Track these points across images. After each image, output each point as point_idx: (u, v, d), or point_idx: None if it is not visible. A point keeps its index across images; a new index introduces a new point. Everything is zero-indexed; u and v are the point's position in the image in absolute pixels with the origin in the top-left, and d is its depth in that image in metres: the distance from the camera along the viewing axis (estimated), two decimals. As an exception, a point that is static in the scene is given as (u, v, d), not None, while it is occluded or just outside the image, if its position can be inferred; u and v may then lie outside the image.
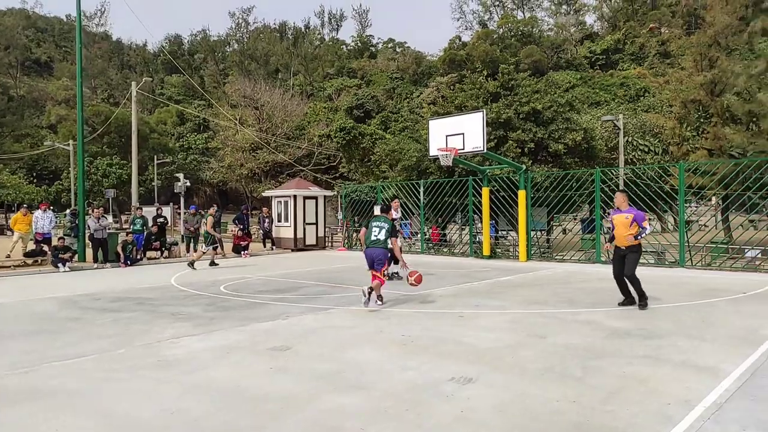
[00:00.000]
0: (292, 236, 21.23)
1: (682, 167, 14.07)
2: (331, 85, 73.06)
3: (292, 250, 20.91)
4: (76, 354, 5.94)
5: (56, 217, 19.45)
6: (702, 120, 23.85)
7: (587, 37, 72.43)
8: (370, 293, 8.44)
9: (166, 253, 18.12)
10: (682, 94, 26.11)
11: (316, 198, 22.23)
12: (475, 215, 18.04)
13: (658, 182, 17.41)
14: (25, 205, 17.50)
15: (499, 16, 78.14)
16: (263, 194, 25.41)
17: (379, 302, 8.55)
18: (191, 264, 14.58)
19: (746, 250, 13.94)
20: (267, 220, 21.00)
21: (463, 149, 14.74)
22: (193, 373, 5.22)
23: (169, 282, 12.17)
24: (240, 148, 48.51)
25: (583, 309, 8.17)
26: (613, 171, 18.84)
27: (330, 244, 23.84)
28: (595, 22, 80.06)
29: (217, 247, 15.48)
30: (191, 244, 18.75)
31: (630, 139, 28.11)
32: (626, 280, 8.12)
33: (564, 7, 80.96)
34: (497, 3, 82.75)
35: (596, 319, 7.40)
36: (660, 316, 7.50)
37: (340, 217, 29.23)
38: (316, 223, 22.03)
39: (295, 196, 21.36)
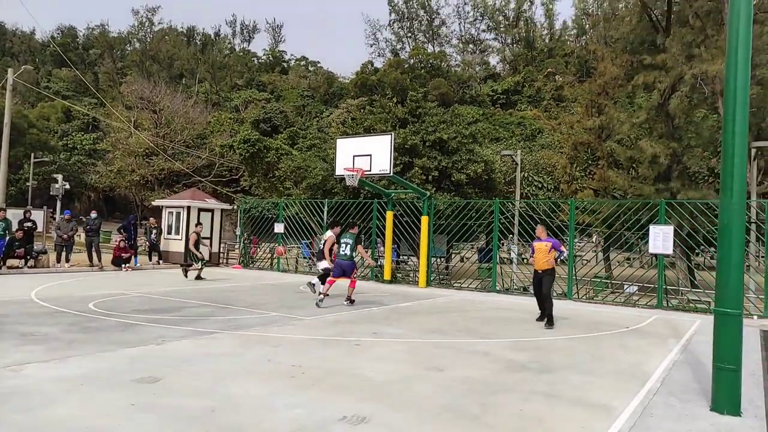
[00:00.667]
0: (182, 250, 19.74)
1: (573, 204, 14.84)
2: (238, 96, 70.87)
3: (182, 266, 19.41)
4: None
5: None
6: (590, 162, 25.72)
7: (490, 77, 76.70)
8: (325, 296, 10.62)
9: (31, 261, 16.03)
10: (573, 136, 28.08)
11: (212, 211, 20.95)
12: (378, 239, 17.86)
13: (551, 216, 18.31)
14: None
15: (411, 47, 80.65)
16: (154, 203, 23.58)
17: (348, 303, 10.95)
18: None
19: (626, 286, 14.90)
20: (154, 231, 19.39)
21: (370, 171, 14.53)
22: (31, 410, 4.30)
23: (29, 296, 10.63)
24: (132, 152, 45.26)
25: (480, 339, 8.08)
26: (510, 203, 19.59)
27: (225, 261, 22.53)
28: (498, 63, 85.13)
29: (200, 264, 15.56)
30: (63, 253, 16.78)
31: (526, 175, 29.68)
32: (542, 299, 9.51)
33: (471, 46, 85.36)
34: (409, 35, 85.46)
35: (492, 350, 7.30)
36: (553, 349, 7.57)
37: (237, 232, 27.92)
38: (211, 238, 20.71)
39: (188, 207, 19.97)
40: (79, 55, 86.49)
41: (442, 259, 19.76)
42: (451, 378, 5.80)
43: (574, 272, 14.35)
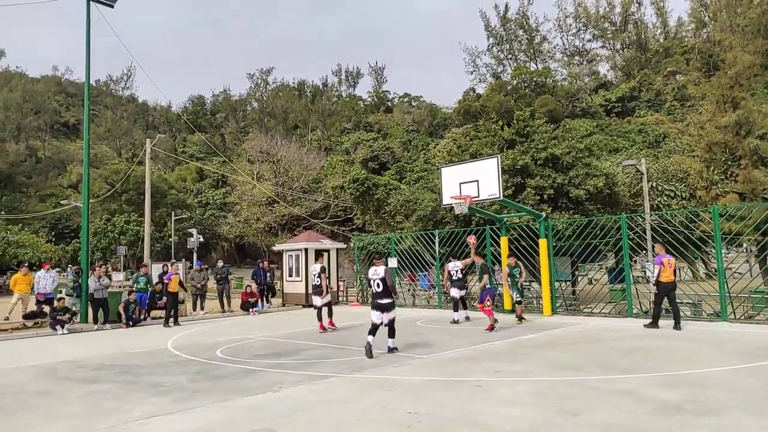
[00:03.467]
0: (303, 291, 20.36)
1: (716, 211, 13.03)
2: (348, 139, 73.80)
3: (303, 306, 19.99)
4: (24, 441, 5.08)
5: (63, 276, 18.95)
6: (730, 162, 22.83)
7: (601, 86, 72.48)
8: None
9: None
10: (705, 137, 25.24)
11: (328, 251, 21.45)
12: (494, 266, 17.02)
13: (689, 227, 16.30)
14: (25, 265, 17.02)
15: (512, 68, 79.02)
16: (274, 248, 24.78)
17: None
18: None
19: (796, 301, 12.63)
20: (269, 274, 20.13)
21: (478, 197, 13.95)
22: (149, 468, 4.31)
23: (166, 345, 11.33)
24: (256, 202, 48.54)
25: (620, 375, 7.08)
26: (639, 216, 17.81)
27: (344, 299, 22.87)
28: (608, 71, 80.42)
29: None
30: (198, 302, 18.01)
31: (654, 184, 27.09)
32: None
33: (577, 57, 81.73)
34: (510, 56, 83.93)
35: (636, 388, 6.31)
36: (714, 384, 6.38)
37: (355, 269, 28.39)
38: (329, 277, 21.13)
39: (306, 249, 20.63)
40: (208, 120, 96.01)
41: (568, 283, 18.33)
42: (590, 424, 5.01)
43: (726, 289, 12.46)
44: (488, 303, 12.00)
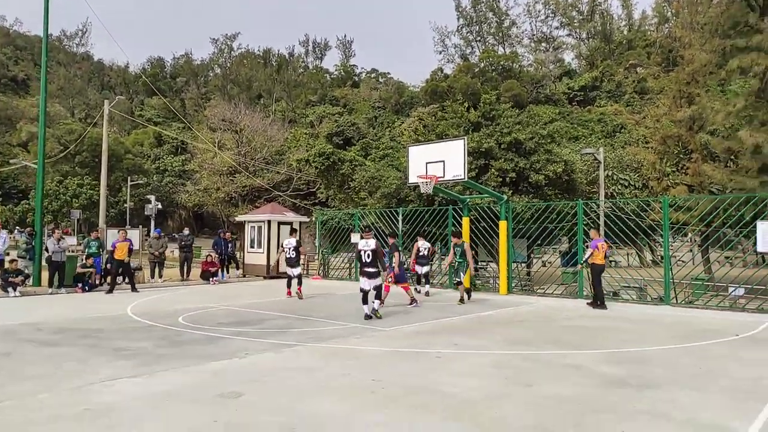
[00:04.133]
0: (264, 263, 20.33)
1: (666, 202, 13.74)
2: (313, 112, 72.90)
3: (264, 278, 20.00)
4: (-12, 399, 5.07)
5: (11, 238, 18.29)
6: (681, 156, 23.88)
7: (565, 74, 73.82)
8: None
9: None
10: (660, 130, 26.23)
11: (291, 224, 21.42)
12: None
13: (641, 216, 17.10)
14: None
15: (481, 50, 79.39)
16: (237, 218, 24.54)
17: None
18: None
19: (731, 288, 13.54)
20: (230, 244, 20.01)
21: (444, 177, 14.22)
22: (121, 427, 4.40)
23: (126, 311, 11.24)
24: (217, 171, 47.61)
25: (571, 351, 7.54)
26: (594, 203, 18.53)
27: (305, 272, 22.94)
28: (573, 59, 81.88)
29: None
30: (156, 270, 17.77)
31: (610, 173, 28.07)
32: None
33: (543, 44, 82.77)
34: (479, 38, 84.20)
35: (585, 363, 6.76)
36: (654, 362, 6.90)
37: (316, 244, 28.43)
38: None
39: (269, 222, 20.55)
40: (167, 83, 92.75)
41: (524, 264, 18.99)
42: (541, 395, 5.38)
43: (671, 275, 13.24)
44: (390, 280, 12.23)
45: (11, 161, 40.66)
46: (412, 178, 15.11)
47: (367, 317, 10.07)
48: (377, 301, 10.40)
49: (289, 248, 13.73)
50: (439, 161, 14.39)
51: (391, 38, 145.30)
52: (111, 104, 25.94)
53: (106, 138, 25.04)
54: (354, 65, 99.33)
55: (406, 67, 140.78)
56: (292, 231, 15.58)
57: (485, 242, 16.73)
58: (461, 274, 13.42)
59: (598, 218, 18.21)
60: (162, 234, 18.80)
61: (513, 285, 15.92)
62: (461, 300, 13.21)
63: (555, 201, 18.59)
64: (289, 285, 13.83)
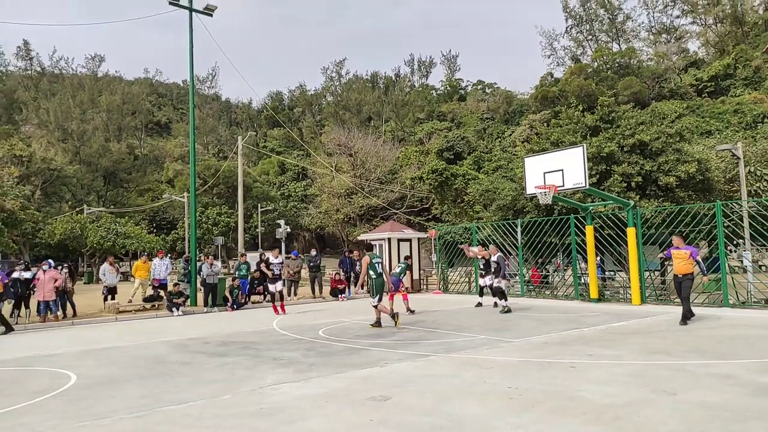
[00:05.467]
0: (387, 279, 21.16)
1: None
2: (421, 129, 74.16)
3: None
4: (184, 399, 6.10)
5: (172, 264, 20.92)
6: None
7: (692, 65, 68.03)
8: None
9: (268, 297, 18.73)
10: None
11: (410, 240, 22.18)
12: (579, 255, 17.00)
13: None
14: (145, 254, 18.99)
15: (593, 50, 75.83)
16: (358, 238, 25.81)
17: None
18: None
19: None
20: (358, 263, 21.14)
21: (563, 186, 14.06)
22: (293, 423, 5.13)
23: (272, 326, 12.47)
24: (336, 194, 50.20)
25: (716, 360, 7.21)
26: (735, 203, 17.09)
27: (425, 287, 23.53)
28: (699, 48, 75.28)
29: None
30: (292, 288, 19.30)
31: (752, 169, 25.54)
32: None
33: (664, 35, 77.10)
34: (590, 37, 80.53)
35: (733, 372, 6.47)
36: (816, 371, 6.41)
37: (434, 259, 28.92)
38: (411, 266, 21.85)
39: (389, 239, 21.45)
40: (286, 114, 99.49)
41: (656, 272, 17.94)
42: (687, 402, 5.32)
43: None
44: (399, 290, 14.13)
45: (163, 196, 46.11)
46: (530, 189, 15.09)
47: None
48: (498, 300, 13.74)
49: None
50: (557, 170, 14.27)
51: (495, 48, 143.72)
52: (244, 140, 28.68)
53: (241, 171, 27.72)
54: (459, 79, 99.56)
55: (512, 75, 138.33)
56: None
57: (612, 250, 16.13)
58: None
59: (741, 220, 16.77)
60: (298, 255, 20.40)
61: (647, 295, 15.15)
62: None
63: (689, 204, 17.41)
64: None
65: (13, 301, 14.42)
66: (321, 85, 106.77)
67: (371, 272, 11.57)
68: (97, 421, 5.37)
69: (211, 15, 18.96)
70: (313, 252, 20.96)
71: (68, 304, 15.21)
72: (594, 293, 15.68)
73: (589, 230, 15.71)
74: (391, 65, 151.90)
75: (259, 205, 50.71)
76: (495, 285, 14.45)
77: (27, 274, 14.65)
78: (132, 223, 46.17)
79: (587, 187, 13.98)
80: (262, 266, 15.48)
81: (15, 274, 14.74)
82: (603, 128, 21.15)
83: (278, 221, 31.70)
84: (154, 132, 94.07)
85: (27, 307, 14.61)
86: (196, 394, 6.33)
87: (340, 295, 19.30)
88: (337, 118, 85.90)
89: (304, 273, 21.68)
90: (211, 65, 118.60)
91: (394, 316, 11.40)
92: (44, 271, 14.41)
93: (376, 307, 11.46)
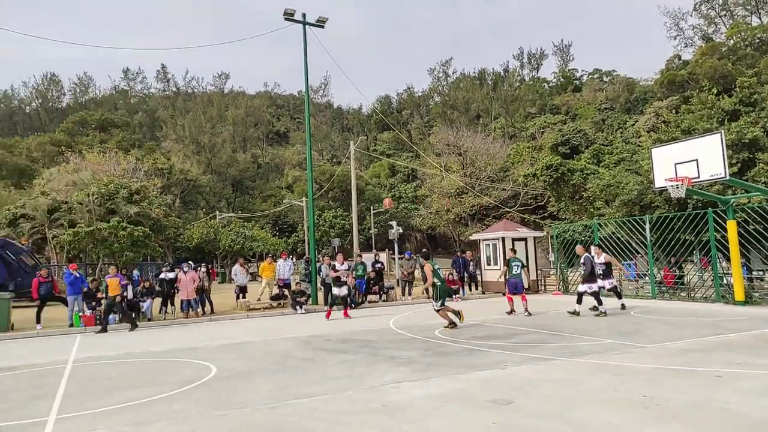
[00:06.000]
0: (502, 279, 20.68)
1: None
2: (533, 124, 71.54)
3: (503, 294, 20.32)
4: (310, 394, 6.41)
5: (294, 265, 22.14)
6: None
7: None
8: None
9: (384, 296, 19.16)
10: None
11: (525, 239, 21.47)
12: (719, 253, 15.37)
13: None
14: (270, 255, 20.28)
15: (727, 26, 68.24)
16: (471, 237, 25.51)
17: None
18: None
19: None
20: (471, 263, 20.89)
21: (698, 177, 12.81)
22: (414, 422, 5.18)
23: (388, 325, 12.71)
24: (446, 194, 50.00)
25: None
26: None
27: (543, 288, 22.64)
28: None
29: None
30: (407, 288, 19.54)
31: None
32: None
33: (818, 0, 67.32)
34: (723, 12, 72.61)
35: None
36: None
37: (551, 258, 27.75)
38: (527, 266, 21.15)
39: (503, 238, 20.93)
40: (395, 117, 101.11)
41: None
42: None
43: None
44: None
45: (284, 201, 48.98)
46: (659, 182, 13.95)
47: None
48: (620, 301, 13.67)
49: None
50: (690, 160, 13.05)
51: (611, 34, 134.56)
52: (356, 145, 29.60)
53: (354, 175, 28.62)
54: (574, 69, 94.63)
55: (633, 62, 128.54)
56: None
57: (761, 247, 14.40)
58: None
59: None
60: (412, 255, 20.62)
61: (804, 297, 13.31)
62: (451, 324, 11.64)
63: None
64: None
65: (160, 299, 16.18)
66: (428, 86, 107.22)
67: (436, 279, 11.67)
68: (236, 410, 5.82)
69: (323, 26, 19.79)
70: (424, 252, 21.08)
71: (206, 302, 16.67)
72: (739, 295, 14.08)
73: (731, 225, 14.15)
74: (499, 61, 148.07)
75: (371, 207, 52.01)
76: (599, 287, 13.42)
77: (171, 275, 16.32)
78: (257, 226, 49.60)
79: (727, 177, 12.61)
80: (331, 272, 15.52)
81: (162, 275, 16.53)
82: (743, 112, 18.98)
83: (390, 222, 32.25)
84: (274, 141, 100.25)
85: (172, 304, 16.27)
86: (320, 389, 6.63)
87: (454, 296, 19.19)
88: (445, 118, 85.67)
89: (418, 273, 21.84)
90: (323, 74, 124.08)
91: (458, 313, 11.78)
92: (185, 272, 15.95)
93: (438, 311, 11.64)
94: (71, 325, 14.36)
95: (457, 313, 11.78)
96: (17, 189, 50.29)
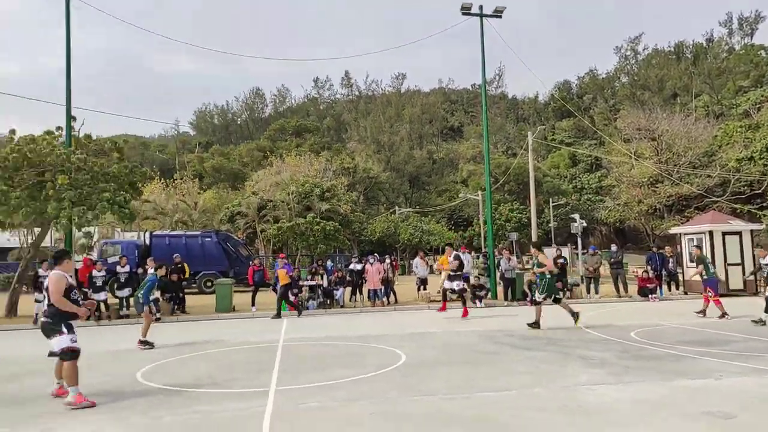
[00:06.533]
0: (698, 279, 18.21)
1: None
2: (746, 99, 61.50)
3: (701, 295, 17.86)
4: (496, 388, 6.36)
5: (472, 259, 22.20)
6: None
7: None
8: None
9: (568, 293, 18.21)
10: None
11: (739, 233, 18.61)
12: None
13: None
14: (450, 246, 20.61)
15: None
16: (670, 231, 22.93)
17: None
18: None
19: None
20: (671, 260, 18.73)
21: None
22: (618, 426, 4.87)
23: (582, 323, 12.05)
24: (637, 183, 45.53)
25: None
26: None
27: (762, 289, 19.37)
28: None
29: None
30: (591, 285, 18.34)
31: None
32: None
33: None
34: None
35: None
36: None
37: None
38: (742, 264, 18.33)
39: (711, 232, 18.41)
40: (575, 104, 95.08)
41: None
42: None
43: None
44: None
45: (459, 196, 49.42)
46: None
47: None
48: None
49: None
50: None
51: None
52: (534, 135, 28.55)
53: (532, 166, 27.66)
54: (802, 29, 79.01)
55: None
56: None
57: None
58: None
59: None
60: (597, 251, 19.30)
61: None
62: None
63: None
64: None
65: (350, 288, 17.56)
66: (613, 67, 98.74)
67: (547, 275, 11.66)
68: (426, 397, 6.06)
69: (500, 16, 19.42)
70: (613, 247, 19.47)
71: (391, 292, 17.60)
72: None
73: None
74: (701, 30, 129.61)
75: (550, 199, 49.73)
76: None
77: (359, 266, 17.56)
78: (434, 221, 50.82)
79: None
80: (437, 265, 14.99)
81: (351, 266, 17.89)
82: None
83: (572, 215, 30.48)
84: (448, 136, 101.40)
85: (361, 293, 17.52)
86: (506, 383, 6.57)
87: (650, 295, 17.46)
88: (634, 100, 78.19)
89: (604, 270, 20.35)
90: (497, 65, 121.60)
91: (574, 314, 11.38)
92: (371, 264, 17.03)
93: (539, 304, 11.57)
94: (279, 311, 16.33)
95: (575, 314, 11.43)
96: (233, 190, 58.61)
